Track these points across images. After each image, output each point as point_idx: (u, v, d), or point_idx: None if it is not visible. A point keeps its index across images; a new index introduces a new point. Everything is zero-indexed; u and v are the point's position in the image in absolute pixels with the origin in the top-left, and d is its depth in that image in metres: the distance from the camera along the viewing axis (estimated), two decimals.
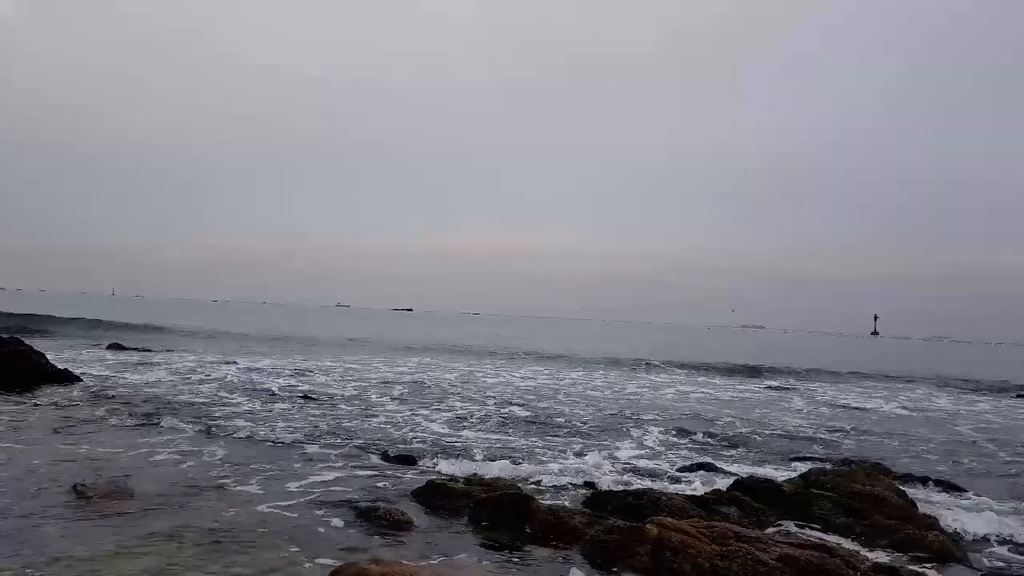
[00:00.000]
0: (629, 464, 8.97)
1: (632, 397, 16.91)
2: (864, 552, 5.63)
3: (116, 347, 24.14)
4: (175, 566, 4.61)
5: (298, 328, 47.39)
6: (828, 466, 8.56)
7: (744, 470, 8.80)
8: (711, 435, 11.65)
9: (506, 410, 13.45)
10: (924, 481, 8.57)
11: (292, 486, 6.89)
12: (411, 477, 7.50)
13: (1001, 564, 5.70)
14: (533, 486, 7.36)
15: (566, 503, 6.66)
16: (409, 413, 12.54)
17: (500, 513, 5.88)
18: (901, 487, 7.20)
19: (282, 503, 6.25)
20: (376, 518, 5.72)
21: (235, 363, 19.76)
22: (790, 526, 6.21)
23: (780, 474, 8.48)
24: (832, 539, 5.86)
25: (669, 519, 5.21)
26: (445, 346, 35.02)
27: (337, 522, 5.78)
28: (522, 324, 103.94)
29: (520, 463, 8.51)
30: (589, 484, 7.62)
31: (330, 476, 7.43)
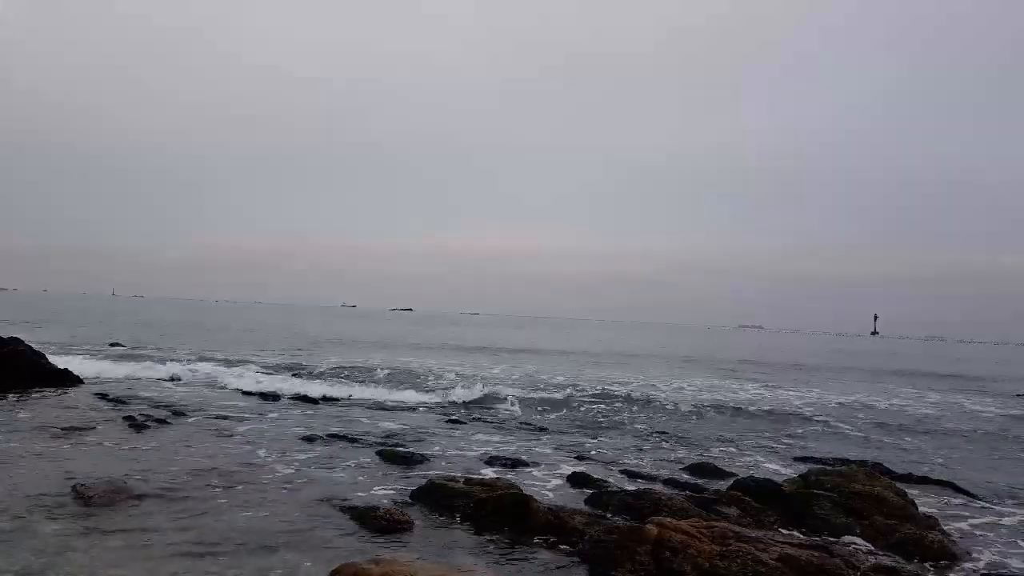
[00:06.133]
0: (629, 464, 8.97)
1: (632, 397, 16.90)
2: (864, 552, 5.63)
3: (117, 347, 24.11)
4: (175, 566, 4.61)
5: (304, 329, 47.36)
6: (829, 465, 8.56)
7: (744, 470, 8.81)
8: (710, 435, 11.65)
9: (507, 409, 13.45)
10: (924, 481, 8.58)
11: (292, 486, 6.89)
12: (411, 477, 7.50)
13: (1001, 564, 5.70)
14: (533, 486, 7.35)
15: (566, 503, 6.65)
16: (410, 413, 12.54)
17: (500, 513, 5.87)
18: (901, 487, 7.20)
19: (282, 503, 6.25)
20: (376, 518, 5.72)
21: (235, 364, 19.75)
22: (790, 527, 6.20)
23: (780, 474, 8.49)
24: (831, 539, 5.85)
25: (669, 519, 5.21)
26: (446, 346, 35.01)
27: (337, 522, 5.78)
28: (522, 324, 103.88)
29: (520, 462, 8.52)
30: (588, 483, 7.62)
31: (329, 476, 7.43)
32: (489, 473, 7.89)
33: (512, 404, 14.15)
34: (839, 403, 17.76)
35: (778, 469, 9.13)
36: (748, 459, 9.87)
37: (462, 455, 9.00)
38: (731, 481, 7.55)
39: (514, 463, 8.49)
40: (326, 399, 13.60)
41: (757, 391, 20.05)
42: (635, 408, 14.56)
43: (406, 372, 19.70)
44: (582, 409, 14.11)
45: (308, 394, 13.89)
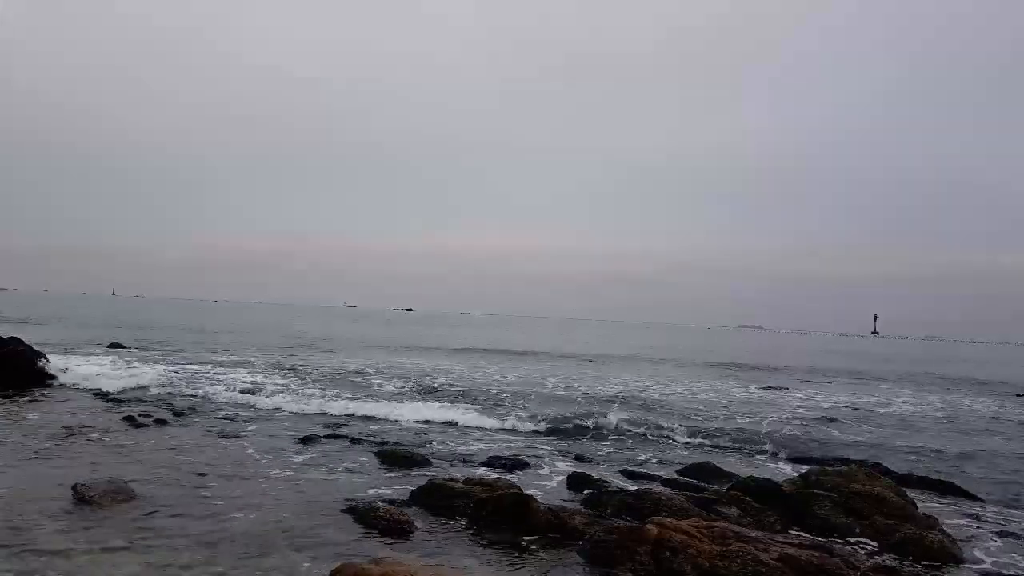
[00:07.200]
0: (629, 464, 8.97)
1: (631, 397, 16.90)
2: (864, 552, 5.63)
3: (117, 347, 24.12)
4: (175, 567, 4.61)
5: (305, 329, 47.36)
6: (829, 465, 8.55)
7: (744, 470, 8.81)
8: (710, 435, 11.64)
9: (507, 410, 13.44)
10: (924, 481, 8.57)
11: (291, 486, 6.90)
12: (411, 477, 7.50)
13: (1001, 565, 5.70)
14: (533, 486, 7.35)
15: (566, 503, 6.65)
16: (409, 413, 12.53)
17: (500, 513, 5.87)
18: (901, 487, 7.20)
19: (282, 503, 6.25)
20: (376, 518, 5.72)
21: (235, 365, 19.76)
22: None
23: (780, 474, 8.49)
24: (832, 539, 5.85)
25: (669, 519, 5.21)
26: (446, 346, 35.00)
27: (337, 522, 5.78)
28: (522, 324, 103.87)
29: (520, 462, 8.52)
30: (588, 483, 7.61)
31: (330, 476, 7.43)
32: (489, 473, 7.89)
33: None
34: (839, 403, 17.76)
35: (778, 469, 9.13)
36: (748, 459, 9.87)
37: (462, 455, 9.00)
38: (731, 481, 7.55)
39: (514, 463, 8.49)
40: (326, 399, 13.58)
41: (757, 391, 20.04)
42: (635, 408, 14.55)
43: (406, 373, 19.71)
44: (582, 410, 14.10)
45: (308, 394, 13.88)
